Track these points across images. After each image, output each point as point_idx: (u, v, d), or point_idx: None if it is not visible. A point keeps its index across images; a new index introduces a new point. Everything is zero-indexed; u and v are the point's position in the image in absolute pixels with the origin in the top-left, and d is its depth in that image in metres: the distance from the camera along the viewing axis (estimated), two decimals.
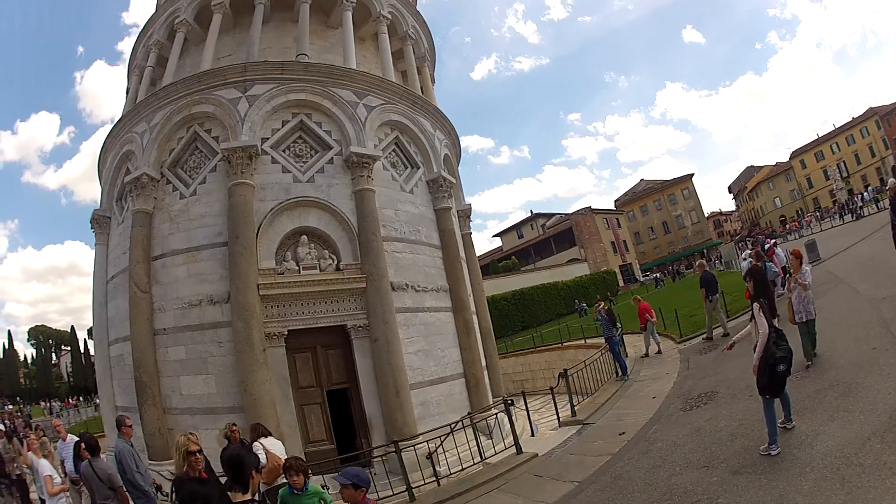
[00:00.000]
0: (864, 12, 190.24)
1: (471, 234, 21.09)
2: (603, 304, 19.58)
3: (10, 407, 56.79)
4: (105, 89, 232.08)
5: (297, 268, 14.18)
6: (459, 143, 20.99)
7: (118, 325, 15.86)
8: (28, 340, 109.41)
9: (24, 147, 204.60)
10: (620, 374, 16.47)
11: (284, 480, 8.32)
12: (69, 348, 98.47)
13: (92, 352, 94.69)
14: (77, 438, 11.10)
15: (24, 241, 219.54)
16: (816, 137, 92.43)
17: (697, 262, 38.89)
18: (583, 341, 25.54)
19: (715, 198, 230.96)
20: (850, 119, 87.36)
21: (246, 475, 4.63)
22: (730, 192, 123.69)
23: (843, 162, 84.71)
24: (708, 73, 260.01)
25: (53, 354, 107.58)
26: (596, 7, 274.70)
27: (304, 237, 14.44)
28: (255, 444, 9.01)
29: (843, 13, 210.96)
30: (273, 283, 13.73)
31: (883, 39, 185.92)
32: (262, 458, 8.68)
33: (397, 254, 15.52)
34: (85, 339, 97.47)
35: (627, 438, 10.11)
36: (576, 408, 14.38)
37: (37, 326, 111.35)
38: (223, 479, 6.26)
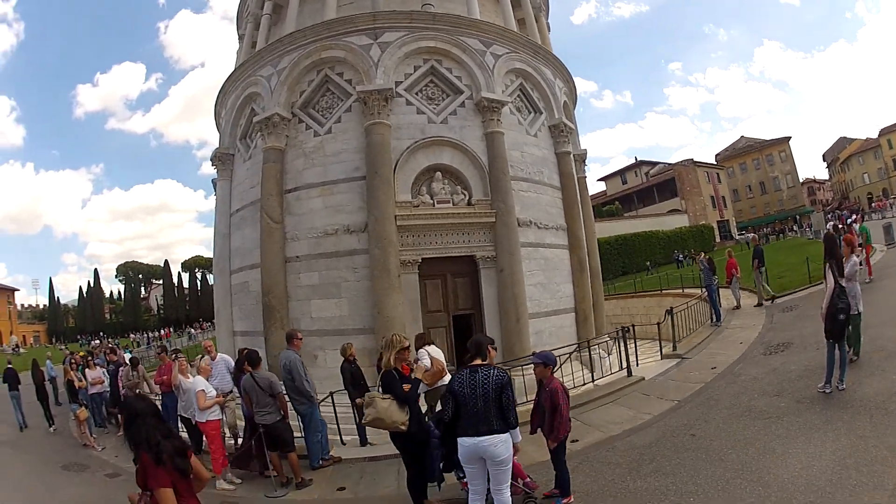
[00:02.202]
0: None
1: (585, 178, 21.72)
2: (704, 254, 20.25)
3: (97, 341, 60.00)
4: (192, 37, 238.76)
5: (431, 201, 15.30)
6: (576, 90, 21.50)
7: (243, 254, 17.26)
8: (116, 277, 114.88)
9: (107, 97, 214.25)
10: (714, 320, 17.11)
11: (446, 381, 9.33)
12: (160, 282, 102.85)
13: (185, 284, 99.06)
14: (226, 357, 12.29)
15: (111, 183, 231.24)
16: None
17: (751, 236, 38.79)
18: (681, 290, 26.25)
19: (808, 164, 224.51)
20: None
21: (484, 351, 5.85)
22: (824, 160, 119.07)
23: None
24: (803, 35, 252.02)
25: (142, 289, 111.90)
26: None
27: (439, 173, 15.50)
28: (421, 350, 9.76)
29: None
30: (409, 215, 14.86)
31: None
32: (427, 362, 9.35)
33: (522, 192, 16.46)
34: (179, 273, 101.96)
35: (718, 372, 11.78)
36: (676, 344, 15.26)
37: (126, 263, 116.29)
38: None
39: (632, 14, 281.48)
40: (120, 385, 13.87)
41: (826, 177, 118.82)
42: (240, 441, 11.18)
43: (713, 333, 15.73)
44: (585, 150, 21.81)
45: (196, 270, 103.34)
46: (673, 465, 7.23)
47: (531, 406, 7.13)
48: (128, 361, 15.64)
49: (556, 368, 7.01)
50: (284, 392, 9.70)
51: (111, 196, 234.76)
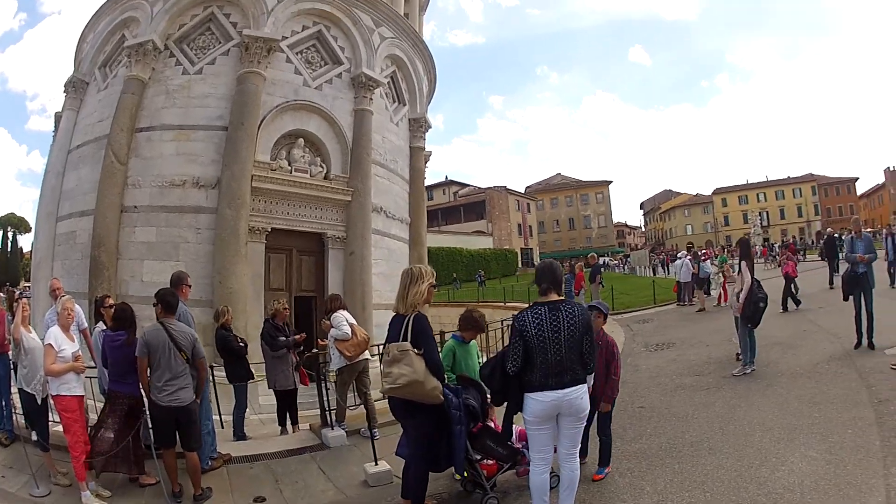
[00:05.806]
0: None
1: (425, 179, 21.36)
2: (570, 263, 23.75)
3: None
4: None
5: (289, 168, 14.73)
6: (434, 91, 21.70)
7: (76, 198, 15.08)
8: None
9: None
10: None
11: (367, 357, 8.56)
12: None
13: None
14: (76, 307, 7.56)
15: None
16: (746, 182, 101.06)
17: (589, 255, 41.47)
18: (502, 303, 27.75)
19: (616, 209, 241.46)
20: (787, 177, 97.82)
21: (560, 283, 4.93)
22: (641, 208, 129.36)
23: (767, 212, 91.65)
24: (645, 93, 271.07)
25: None
26: (548, 4, 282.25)
27: (301, 140, 15.00)
28: (337, 314, 8.20)
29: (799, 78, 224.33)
30: (266, 177, 14.05)
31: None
32: (347, 330, 7.96)
33: (378, 177, 16.44)
34: None
35: None
36: None
37: None
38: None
39: (465, 44, 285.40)
40: None
41: (638, 223, 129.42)
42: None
43: None
44: (431, 151, 21.57)
45: (8, 230, 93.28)
46: (653, 429, 7.15)
47: None
48: None
49: None
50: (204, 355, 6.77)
51: None
